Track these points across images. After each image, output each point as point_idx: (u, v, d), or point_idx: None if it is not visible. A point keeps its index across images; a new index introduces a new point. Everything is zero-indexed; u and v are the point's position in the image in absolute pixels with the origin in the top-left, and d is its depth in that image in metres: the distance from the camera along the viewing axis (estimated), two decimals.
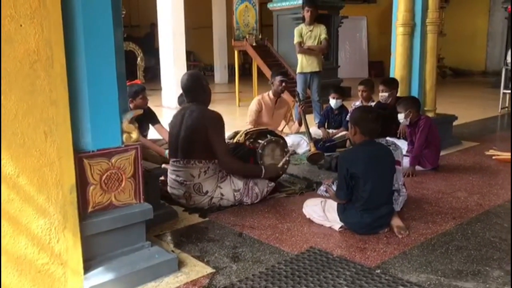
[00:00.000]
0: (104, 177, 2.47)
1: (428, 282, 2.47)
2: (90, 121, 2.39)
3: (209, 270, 2.64)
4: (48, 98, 2.15)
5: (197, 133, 3.49)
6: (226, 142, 4.12)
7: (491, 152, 5.36)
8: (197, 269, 2.65)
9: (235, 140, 4.05)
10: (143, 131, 4.90)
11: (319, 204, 3.30)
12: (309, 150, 5.09)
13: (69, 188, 2.26)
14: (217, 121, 3.54)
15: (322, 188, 3.92)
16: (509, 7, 8.82)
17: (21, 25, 2.05)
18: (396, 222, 3.16)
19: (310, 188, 4.11)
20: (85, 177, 2.42)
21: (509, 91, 8.79)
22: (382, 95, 5.16)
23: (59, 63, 2.18)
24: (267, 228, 3.24)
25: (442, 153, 4.98)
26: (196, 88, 3.63)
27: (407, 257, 2.78)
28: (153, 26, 15.22)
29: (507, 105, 8.76)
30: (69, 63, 2.25)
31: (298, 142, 5.50)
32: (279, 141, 4.02)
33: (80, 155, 2.38)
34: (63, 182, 2.24)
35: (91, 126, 2.40)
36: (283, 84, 5.47)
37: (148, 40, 15.66)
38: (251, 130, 4.15)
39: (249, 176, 3.69)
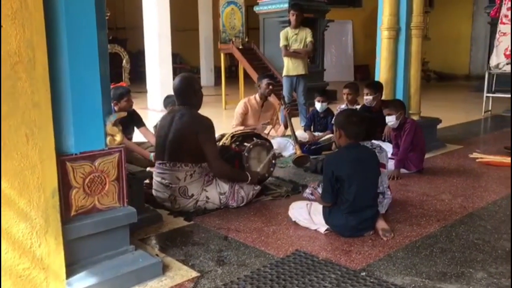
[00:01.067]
0: (87, 180, 2.44)
1: (413, 285, 2.48)
2: (73, 123, 2.36)
3: (193, 274, 2.62)
4: (30, 100, 2.12)
5: (186, 137, 3.47)
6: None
7: (474, 155, 5.42)
8: (182, 273, 2.63)
9: (221, 143, 4.03)
10: (128, 134, 4.86)
11: (304, 207, 3.30)
12: (295, 153, 5.09)
13: (51, 191, 2.23)
14: (209, 127, 3.54)
15: (308, 191, 3.92)
16: (492, 12, 8.94)
17: (1, 26, 2.01)
18: (381, 224, 3.17)
19: (296, 191, 4.11)
20: (68, 181, 2.38)
21: (492, 95, 8.91)
22: (367, 98, 5.19)
23: (41, 65, 2.14)
24: (252, 231, 3.23)
25: (427, 156, 5.02)
26: (188, 91, 3.60)
27: (392, 259, 2.79)
28: None
29: (490, 108, 8.88)
30: (51, 65, 2.22)
31: (284, 145, 5.51)
32: (265, 144, 4.02)
33: (62, 158, 2.34)
34: (45, 186, 2.21)
35: (74, 128, 2.37)
36: (270, 87, 5.48)
37: None
38: (237, 132, 4.14)
39: (235, 180, 3.68)
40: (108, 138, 2.49)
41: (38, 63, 2.13)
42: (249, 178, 3.73)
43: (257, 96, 5.54)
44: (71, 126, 2.35)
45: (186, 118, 3.51)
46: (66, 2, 2.25)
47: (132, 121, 4.88)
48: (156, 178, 3.61)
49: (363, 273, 2.61)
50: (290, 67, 7.01)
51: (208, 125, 3.54)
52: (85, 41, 2.35)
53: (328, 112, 5.92)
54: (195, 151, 3.48)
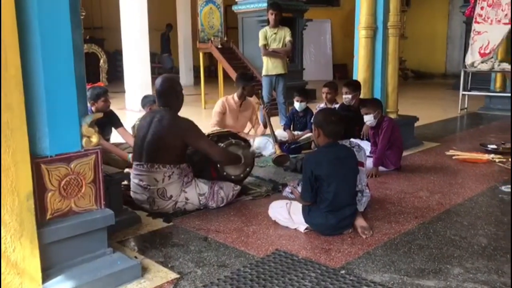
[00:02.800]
0: (63, 182, 2.39)
1: (392, 282, 2.51)
2: (48, 125, 2.31)
3: (173, 275, 2.60)
4: (3, 102, 2.07)
5: (165, 140, 3.45)
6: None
7: (451, 152, 5.51)
8: (161, 275, 2.60)
9: None
10: (105, 134, 4.80)
11: (284, 206, 3.31)
12: (275, 152, 5.10)
13: (25, 195, 2.18)
14: (192, 127, 3.55)
15: (288, 189, 3.93)
16: (467, 11, 9.09)
17: None
18: (360, 222, 3.19)
19: (276, 190, 4.11)
20: (43, 183, 2.33)
21: (468, 93, 9.06)
22: (346, 97, 5.22)
23: (14, 66, 2.10)
24: (232, 232, 3.22)
25: (404, 153, 5.08)
26: (170, 93, 3.58)
27: (371, 257, 2.82)
28: (169, 26, 15.06)
29: (466, 106, 9.03)
30: (24, 65, 2.17)
31: (264, 144, 5.50)
32: (240, 143, 3.99)
33: (37, 161, 2.30)
34: (19, 189, 2.16)
35: (49, 130, 2.32)
36: (255, 89, 5.51)
37: (164, 41, 15.47)
38: (212, 132, 4.10)
39: (238, 162, 3.82)
40: (84, 140, 2.45)
41: (10, 64, 2.08)
42: (242, 159, 3.82)
43: (235, 95, 5.52)
44: (45, 128, 2.31)
45: (165, 121, 3.48)
46: (38, 1, 2.20)
47: (109, 121, 4.81)
48: (133, 180, 3.57)
49: (343, 271, 2.63)
50: (270, 67, 7.01)
51: (191, 125, 3.54)
52: (59, 40, 2.31)
53: (307, 111, 5.93)
54: (174, 152, 3.45)
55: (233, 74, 9.03)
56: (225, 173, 3.80)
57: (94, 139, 2.48)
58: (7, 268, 2.14)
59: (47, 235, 2.32)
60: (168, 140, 3.43)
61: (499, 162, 5.02)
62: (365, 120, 4.74)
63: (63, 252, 2.43)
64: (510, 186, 4.13)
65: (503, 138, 6.08)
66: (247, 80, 5.49)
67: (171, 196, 3.49)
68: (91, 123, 2.48)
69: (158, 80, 3.62)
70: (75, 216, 2.46)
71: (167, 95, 3.57)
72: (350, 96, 5.20)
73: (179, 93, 3.64)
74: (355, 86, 5.29)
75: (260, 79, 7.83)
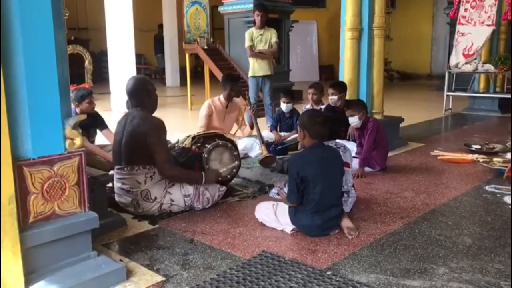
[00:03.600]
0: (46, 185, 2.36)
1: (378, 282, 2.51)
2: (30, 127, 2.28)
3: (159, 278, 2.58)
4: None
5: (138, 139, 3.40)
6: (174, 147, 4.05)
7: (436, 152, 5.56)
8: (147, 278, 2.58)
9: (182, 145, 3.97)
10: (90, 136, 4.76)
11: (271, 208, 3.30)
12: (261, 154, 5.10)
13: (7, 198, 2.15)
14: (158, 129, 3.44)
15: (274, 190, 3.93)
16: (450, 12, 9.19)
17: None
18: (346, 223, 3.20)
19: (262, 191, 4.11)
20: (25, 186, 2.30)
21: (452, 94, 9.15)
22: (332, 98, 5.24)
23: None
24: (219, 233, 3.21)
25: (390, 154, 5.11)
26: (141, 93, 3.53)
27: (357, 257, 2.82)
28: (160, 27, 14.97)
29: (450, 107, 9.12)
30: (5, 66, 2.15)
31: (251, 146, 5.50)
32: (227, 145, 3.97)
33: (19, 163, 2.26)
34: (1, 192, 2.13)
35: (31, 132, 2.28)
36: (241, 89, 5.50)
37: (157, 42, 15.37)
38: (198, 134, 4.08)
39: (191, 182, 3.61)
40: (67, 142, 2.42)
41: None
42: (203, 178, 3.63)
43: (221, 97, 5.51)
44: (27, 130, 2.27)
45: (136, 120, 3.44)
46: (20, 1, 2.17)
47: (94, 123, 4.77)
48: (116, 184, 3.53)
49: (329, 272, 2.63)
50: (256, 68, 7.01)
51: (157, 126, 3.44)
52: (42, 41, 2.28)
53: (293, 112, 5.94)
54: (150, 152, 3.40)
55: (219, 75, 8.99)
56: (207, 167, 3.77)
57: (78, 141, 2.45)
58: None
59: (29, 238, 2.29)
60: (142, 139, 3.38)
61: (483, 162, 5.07)
62: (350, 122, 4.76)
63: (47, 256, 2.39)
64: (495, 186, 4.18)
65: (486, 138, 6.16)
66: (234, 81, 5.48)
67: (155, 198, 3.46)
68: (75, 125, 2.45)
69: (129, 81, 3.57)
70: (59, 219, 2.42)
71: (138, 95, 3.52)
72: (336, 97, 5.22)
73: (151, 92, 3.58)
74: (341, 87, 5.31)
75: (246, 80, 7.82)
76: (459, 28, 8.65)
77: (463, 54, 8.56)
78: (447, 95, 9.04)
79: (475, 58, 8.57)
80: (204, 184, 3.63)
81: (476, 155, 5.30)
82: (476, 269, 2.65)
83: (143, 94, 3.53)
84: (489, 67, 8.48)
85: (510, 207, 3.67)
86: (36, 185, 2.32)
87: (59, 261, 2.44)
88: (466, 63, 8.56)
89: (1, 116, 2.10)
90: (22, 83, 2.23)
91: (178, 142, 4.12)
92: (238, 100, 5.79)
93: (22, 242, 2.22)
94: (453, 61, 8.75)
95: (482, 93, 9.20)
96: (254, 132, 5.50)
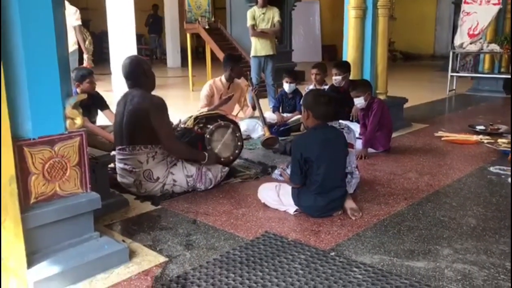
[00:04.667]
0: (47, 166, 2.33)
1: (382, 263, 2.50)
2: (30, 107, 2.24)
3: (161, 259, 2.57)
4: None
5: (140, 118, 3.37)
6: (178, 126, 4.02)
7: (440, 133, 5.52)
8: (149, 259, 2.57)
9: (184, 126, 3.94)
10: (91, 117, 4.73)
11: (273, 189, 3.28)
12: (264, 135, 5.06)
13: (8, 178, 2.12)
14: (159, 106, 3.41)
15: (277, 172, 3.90)
16: None
17: None
18: (349, 204, 3.18)
19: (265, 172, 4.08)
20: (26, 167, 2.27)
21: (456, 74, 9.06)
22: (336, 78, 5.18)
23: None
24: (221, 214, 3.19)
25: (393, 135, 5.07)
26: (137, 73, 3.48)
27: (360, 238, 2.81)
28: (156, 7, 14.79)
29: (454, 87, 9.04)
30: (4, 45, 2.10)
31: (253, 127, 5.46)
32: (229, 126, 3.94)
33: (19, 143, 2.23)
34: (2, 173, 2.09)
35: (31, 112, 2.25)
36: (243, 70, 5.43)
37: (154, 21, 15.19)
38: (200, 114, 4.04)
39: (193, 160, 3.61)
40: (68, 122, 2.38)
41: None
42: (206, 157, 3.64)
43: (223, 77, 5.45)
44: (27, 110, 2.23)
45: (137, 99, 3.41)
46: None
47: (95, 104, 4.74)
48: (118, 165, 3.51)
49: (332, 253, 2.61)
50: (258, 47, 6.93)
51: (158, 103, 3.41)
52: (40, 19, 2.22)
53: (296, 92, 5.88)
54: (152, 131, 3.38)
55: (221, 55, 8.91)
56: (209, 147, 3.76)
57: (78, 121, 2.41)
58: None
59: (31, 219, 2.27)
60: (143, 118, 3.35)
61: (488, 143, 5.03)
62: (356, 103, 4.71)
63: (49, 236, 2.38)
64: (500, 168, 4.14)
65: (491, 119, 6.11)
66: (235, 61, 5.41)
67: (158, 178, 3.44)
68: (75, 105, 2.41)
69: (124, 62, 3.53)
70: (60, 200, 2.40)
71: (134, 75, 3.48)
72: (339, 77, 5.16)
73: (147, 71, 3.52)
74: (344, 67, 5.25)
75: (248, 60, 7.74)
76: (464, 7, 8.52)
77: (468, 34, 8.45)
78: (451, 76, 8.95)
79: (480, 38, 8.47)
80: (205, 164, 3.61)
81: (480, 136, 5.27)
82: (481, 250, 2.63)
83: (139, 74, 3.48)
84: (495, 47, 8.38)
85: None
86: (36, 165, 2.30)
87: (61, 242, 2.43)
88: (471, 43, 8.46)
89: (0, 96, 2.06)
90: (21, 63, 2.18)
91: (180, 122, 4.08)
92: (240, 81, 5.73)
93: (24, 223, 2.20)
94: (457, 41, 8.65)
95: (487, 73, 9.10)
96: (256, 113, 5.46)
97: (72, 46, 6.85)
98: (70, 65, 7.00)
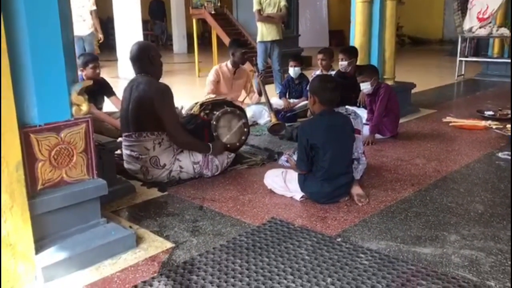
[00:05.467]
0: (53, 152, 2.33)
1: (388, 249, 2.50)
2: (36, 93, 2.24)
3: (168, 245, 2.58)
4: None
5: (145, 105, 3.36)
6: (179, 111, 4.01)
7: (448, 119, 5.47)
8: (156, 245, 2.58)
9: (190, 112, 3.93)
10: (98, 103, 4.73)
11: (280, 175, 3.27)
12: (270, 121, 5.04)
13: (15, 165, 2.13)
14: (164, 93, 3.40)
15: (283, 158, 3.89)
16: None
17: None
18: (356, 190, 3.17)
19: (271, 159, 4.08)
20: (33, 153, 2.28)
21: (465, 59, 8.96)
22: (342, 63, 5.14)
23: None
24: (228, 200, 3.19)
25: (401, 120, 5.04)
26: (143, 59, 3.46)
27: (367, 224, 2.80)
28: None
29: (463, 72, 8.94)
30: (9, 32, 2.09)
31: (260, 113, 5.44)
32: (236, 112, 3.92)
33: (26, 130, 2.23)
34: (8, 159, 2.10)
35: (37, 99, 2.25)
36: (245, 56, 5.37)
37: (155, 7, 15.09)
38: (206, 101, 4.03)
39: (198, 152, 3.58)
40: (74, 108, 2.38)
41: None
42: (211, 150, 3.60)
43: (228, 63, 5.42)
44: (33, 97, 2.23)
45: (142, 86, 3.40)
46: None
47: (102, 90, 4.74)
48: (125, 151, 3.52)
49: (339, 239, 2.61)
50: (264, 32, 6.88)
51: (163, 90, 3.40)
52: (45, 5, 2.21)
53: (303, 78, 5.85)
54: (158, 118, 3.37)
55: (227, 41, 8.85)
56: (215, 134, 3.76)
57: (84, 107, 2.41)
58: None
59: (38, 205, 2.28)
60: (149, 105, 3.35)
61: (496, 128, 4.99)
62: (362, 88, 4.67)
63: (56, 222, 2.40)
64: (508, 153, 4.11)
65: (500, 105, 6.04)
66: (237, 46, 5.37)
67: (164, 165, 3.44)
68: (81, 91, 2.41)
69: (131, 48, 3.52)
70: (67, 186, 2.41)
71: (140, 61, 3.47)
72: (346, 62, 5.11)
73: (153, 58, 3.49)
74: (351, 53, 5.19)
75: (254, 46, 7.69)
76: None
77: (478, 18, 8.33)
78: (459, 61, 8.85)
79: (490, 22, 8.34)
80: (211, 155, 3.61)
81: (489, 122, 5.22)
82: (488, 237, 2.62)
83: (145, 60, 3.46)
84: (504, 31, 8.26)
85: None
86: (43, 152, 2.30)
87: (68, 228, 2.44)
88: (480, 27, 8.33)
89: (6, 83, 2.06)
90: (26, 50, 2.18)
91: (182, 108, 4.07)
92: (246, 67, 5.69)
93: (31, 209, 2.21)
94: (466, 25, 8.53)
95: (496, 58, 8.99)
96: (263, 99, 5.43)
97: (89, 29, 7.89)
98: (87, 46, 7.46)
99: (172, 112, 3.48)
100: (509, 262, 2.35)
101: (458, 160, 4.00)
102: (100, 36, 8.21)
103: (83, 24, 7.82)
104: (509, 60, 8.69)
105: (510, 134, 4.68)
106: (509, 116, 5.41)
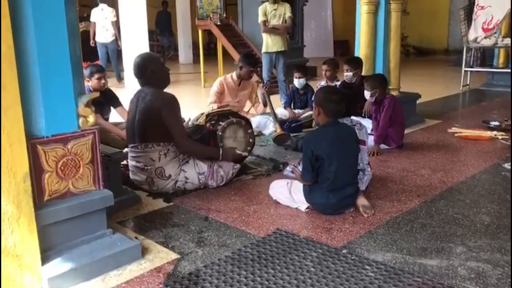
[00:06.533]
0: (60, 163, 2.35)
1: (394, 261, 2.49)
2: (43, 105, 2.26)
3: (174, 256, 2.58)
4: None
5: (152, 116, 3.39)
6: (187, 124, 4.03)
7: (453, 129, 5.46)
8: (162, 256, 2.58)
9: (196, 123, 3.95)
10: (104, 114, 4.75)
11: (285, 186, 3.28)
12: (275, 131, 5.05)
13: (22, 176, 2.15)
14: (171, 103, 3.42)
15: (288, 169, 3.89)
16: None
17: None
18: (361, 201, 3.17)
19: (276, 169, 4.08)
20: (40, 164, 2.30)
21: (470, 69, 8.94)
22: (347, 74, 5.15)
23: (6, 44, 2.04)
24: (233, 211, 3.20)
25: (406, 131, 5.03)
26: (145, 73, 3.47)
27: (373, 236, 2.79)
28: (165, 3, 14.83)
29: (468, 82, 8.93)
30: (17, 44, 2.12)
31: (265, 123, 5.45)
32: (241, 123, 3.94)
33: (33, 141, 2.26)
34: (16, 170, 2.12)
35: (45, 110, 2.27)
36: (251, 74, 5.39)
37: (163, 19, 15.20)
38: (212, 111, 4.05)
39: (207, 158, 3.62)
40: (81, 120, 2.40)
41: (2, 43, 2.02)
42: (220, 154, 3.65)
43: (234, 74, 5.45)
44: (41, 108, 2.26)
45: (149, 97, 3.42)
46: None
47: (108, 101, 4.76)
48: (131, 162, 3.54)
49: (344, 251, 2.61)
50: (270, 44, 6.91)
51: (170, 101, 3.42)
52: (53, 17, 2.24)
53: (308, 88, 5.86)
54: (164, 129, 3.39)
55: (232, 52, 8.92)
56: (221, 144, 3.78)
57: (91, 119, 2.43)
58: (5, 250, 2.12)
59: (45, 216, 2.29)
60: (155, 116, 3.37)
61: (502, 139, 4.97)
62: (365, 95, 4.66)
63: (62, 233, 2.41)
64: (511, 163, 4.09)
65: (505, 115, 6.01)
66: (247, 64, 5.37)
67: (170, 176, 3.45)
68: (88, 103, 2.43)
69: (133, 63, 3.53)
70: (73, 197, 2.43)
71: (143, 76, 3.49)
72: (351, 73, 5.12)
73: (155, 71, 3.47)
74: (356, 63, 5.21)
75: (260, 57, 7.72)
76: (478, 1, 8.39)
77: (483, 28, 8.33)
78: (465, 71, 8.84)
79: (495, 32, 8.34)
80: (220, 161, 3.62)
81: (494, 132, 5.20)
82: (495, 248, 2.61)
83: (148, 74, 3.46)
84: (509, 42, 8.24)
85: None
86: (50, 163, 2.32)
87: (74, 238, 2.46)
88: (485, 38, 8.34)
89: (14, 94, 2.08)
90: (34, 62, 2.21)
91: (189, 120, 4.09)
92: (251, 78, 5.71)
93: (38, 220, 2.23)
94: (472, 35, 8.53)
95: (501, 68, 8.97)
96: (268, 109, 5.45)
97: (111, 37, 9.67)
98: (110, 52, 9.30)
99: (179, 122, 3.51)
100: None
101: (464, 171, 3.99)
102: (120, 44, 9.65)
103: (107, 33, 9.58)
104: None
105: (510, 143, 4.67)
106: None
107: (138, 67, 3.49)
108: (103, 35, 9.57)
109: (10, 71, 2.05)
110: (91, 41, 9.59)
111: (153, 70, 3.47)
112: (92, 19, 9.71)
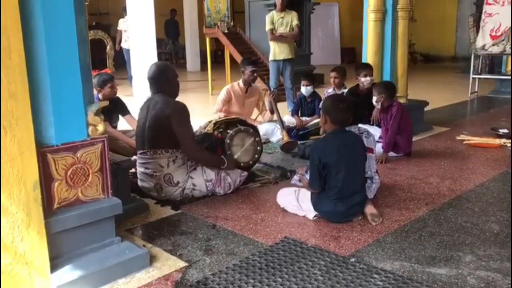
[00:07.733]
0: (69, 172, 2.37)
1: (402, 270, 2.48)
2: (53, 114, 2.29)
3: (181, 264, 2.59)
4: (6, 91, 2.04)
5: (162, 123, 3.43)
6: (195, 132, 4.05)
7: (461, 137, 5.43)
8: (170, 264, 2.59)
9: (204, 130, 3.97)
10: (112, 122, 4.78)
11: (293, 194, 3.28)
12: (282, 139, 5.05)
13: (32, 184, 2.17)
14: (181, 111, 3.47)
15: (296, 177, 3.89)
16: None
17: None
18: (369, 209, 3.16)
19: (284, 177, 4.08)
20: (50, 173, 2.32)
21: (478, 76, 8.91)
22: (366, 79, 5.06)
23: (17, 53, 2.06)
24: (241, 219, 3.20)
25: (414, 138, 5.02)
26: (161, 80, 3.55)
27: (381, 244, 2.78)
28: (173, 12, 14.98)
29: (476, 90, 8.89)
30: (28, 53, 2.14)
31: (272, 131, 5.46)
32: (249, 131, 3.96)
33: (43, 150, 2.28)
34: (26, 179, 2.14)
35: (54, 119, 2.29)
36: (255, 74, 5.41)
37: (171, 27, 15.33)
38: (220, 119, 4.07)
39: (213, 166, 3.64)
40: (90, 128, 2.42)
41: (13, 52, 2.05)
42: (226, 163, 3.67)
43: (240, 82, 5.47)
44: (51, 117, 2.28)
45: (159, 104, 3.47)
46: None
47: (116, 109, 4.79)
48: (139, 169, 3.56)
49: (353, 259, 2.60)
50: (277, 51, 6.93)
51: (180, 108, 3.48)
52: (63, 27, 2.27)
53: (315, 96, 5.86)
54: (174, 135, 3.43)
55: (239, 59, 8.93)
56: (229, 152, 3.79)
57: (101, 127, 2.45)
58: (15, 258, 2.14)
59: (54, 224, 2.31)
60: (165, 123, 3.41)
61: (511, 146, 4.94)
62: (373, 101, 4.65)
63: (71, 241, 2.42)
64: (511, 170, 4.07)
65: None
66: (247, 64, 5.41)
67: (178, 182, 3.47)
68: (97, 112, 2.45)
69: (150, 68, 3.62)
70: (82, 205, 2.44)
71: (158, 81, 3.55)
72: (369, 78, 5.05)
73: (171, 80, 3.59)
74: (372, 69, 5.19)
75: (267, 65, 7.74)
76: (486, 8, 8.39)
77: (491, 36, 8.32)
78: (473, 78, 8.80)
79: (503, 40, 8.32)
80: (224, 169, 3.64)
81: (503, 140, 5.17)
82: (505, 257, 2.59)
83: (163, 80, 3.56)
84: None
85: None
86: (60, 171, 2.34)
87: (83, 246, 2.47)
88: (493, 45, 8.31)
89: (24, 103, 2.11)
90: (45, 70, 2.23)
91: (199, 128, 4.12)
92: (258, 85, 5.73)
93: (48, 228, 2.24)
94: (479, 42, 8.51)
95: (510, 75, 8.92)
96: (275, 117, 5.45)
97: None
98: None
99: (188, 129, 3.53)
100: None
101: (473, 179, 3.97)
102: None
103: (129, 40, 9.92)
104: None
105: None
106: None
107: (156, 73, 3.55)
108: (128, 42, 10.21)
109: (22, 81, 2.08)
110: (117, 46, 10.54)
111: (169, 79, 3.55)
112: (119, 27, 10.87)
